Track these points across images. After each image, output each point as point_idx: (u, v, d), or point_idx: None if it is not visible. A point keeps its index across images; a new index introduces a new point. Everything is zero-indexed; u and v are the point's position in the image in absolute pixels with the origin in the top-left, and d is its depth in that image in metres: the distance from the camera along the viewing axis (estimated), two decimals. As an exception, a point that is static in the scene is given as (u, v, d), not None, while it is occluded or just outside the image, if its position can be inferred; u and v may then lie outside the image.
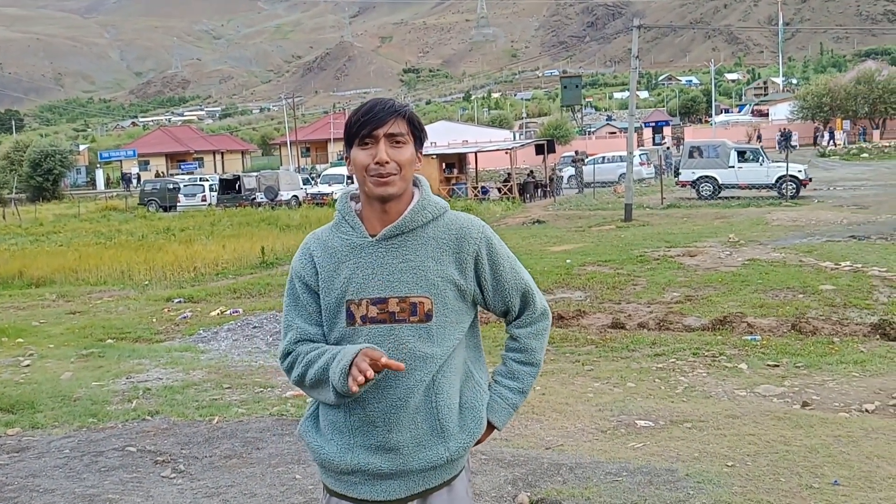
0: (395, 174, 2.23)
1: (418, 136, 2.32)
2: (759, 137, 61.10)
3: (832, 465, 4.92)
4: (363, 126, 2.24)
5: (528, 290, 2.41)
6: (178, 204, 39.85)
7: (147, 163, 77.99)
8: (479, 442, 2.40)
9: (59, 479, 5.27)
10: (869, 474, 4.76)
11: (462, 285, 2.29)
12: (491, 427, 2.41)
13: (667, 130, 78.89)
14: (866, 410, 6.31)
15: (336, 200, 2.44)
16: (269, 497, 4.83)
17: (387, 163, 2.21)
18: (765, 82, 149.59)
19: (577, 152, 44.57)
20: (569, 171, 41.58)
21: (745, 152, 28.84)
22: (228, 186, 39.45)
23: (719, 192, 28.30)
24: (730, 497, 4.49)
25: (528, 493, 4.66)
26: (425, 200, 2.31)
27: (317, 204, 35.38)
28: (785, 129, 60.04)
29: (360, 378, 2.08)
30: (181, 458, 5.60)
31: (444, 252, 2.27)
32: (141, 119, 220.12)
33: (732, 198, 27.72)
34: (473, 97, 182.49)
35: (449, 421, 2.28)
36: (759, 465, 4.98)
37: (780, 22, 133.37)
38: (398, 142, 2.25)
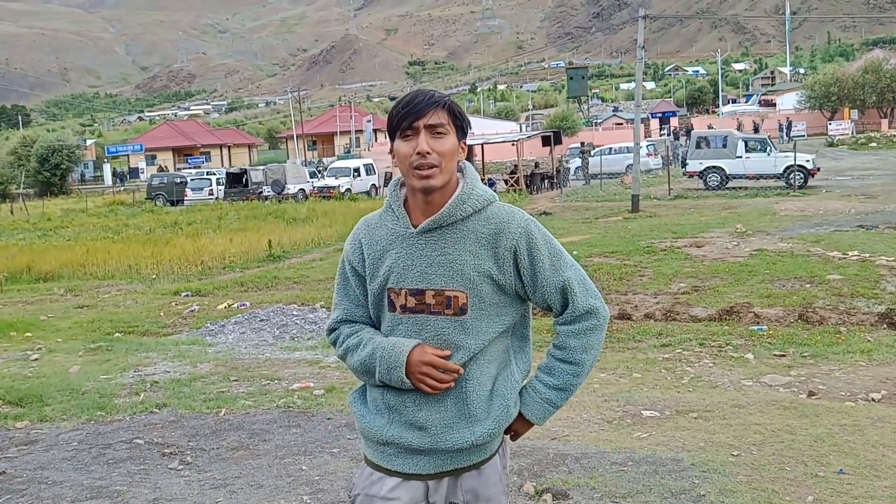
0: (436, 165, 2.24)
1: (460, 125, 2.33)
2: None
3: (838, 454, 4.92)
4: (404, 118, 2.26)
5: (568, 287, 2.33)
6: (186, 198, 39.94)
7: (154, 157, 78.19)
8: (516, 434, 2.44)
9: (67, 472, 5.31)
10: (874, 463, 4.76)
11: (500, 280, 2.29)
12: (527, 422, 2.40)
13: (674, 121, 78.67)
14: (873, 399, 6.31)
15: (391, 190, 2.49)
16: (276, 488, 4.85)
17: (428, 153, 2.23)
18: (772, 72, 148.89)
19: (582, 143, 44.45)
20: (576, 162, 41.51)
21: (751, 142, 28.78)
22: (235, 180, 39.52)
23: (727, 183, 28.20)
24: (735, 486, 4.50)
25: (534, 483, 4.67)
26: (467, 193, 2.31)
27: (323, 197, 35.39)
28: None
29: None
30: (188, 450, 5.63)
31: (483, 246, 2.28)
32: (147, 114, 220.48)
33: (740, 188, 27.63)
34: (479, 89, 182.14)
35: (477, 407, 2.31)
36: (765, 454, 4.98)
37: (788, 11, 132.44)
38: (439, 133, 2.26)
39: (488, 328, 2.30)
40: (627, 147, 37.69)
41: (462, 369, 2.27)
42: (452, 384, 2.27)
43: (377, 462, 2.39)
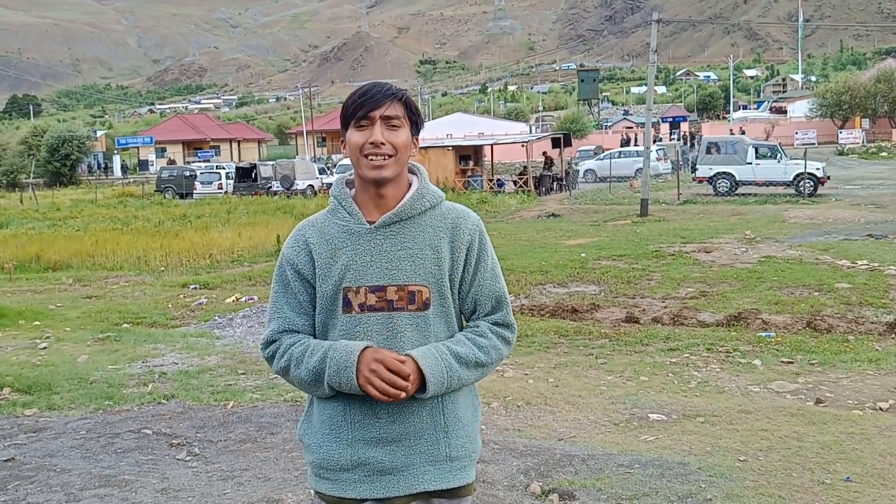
0: (390, 156, 2.21)
1: (415, 120, 2.30)
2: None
3: (845, 462, 4.92)
4: (359, 107, 2.23)
5: (504, 299, 2.34)
6: (195, 191, 40.00)
7: (164, 150, 78.34)
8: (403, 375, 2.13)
9: (75, 460, 5.34)
10: (882, 471, 4.76)
11: (453, 275, 2.28)
12: (417, 367, 2.15)
13: (684, 126, 78.55)
14: (880, 408, 6.30)
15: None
16: (284, 481, 4.87)
17: (382, 144, 2.20)
18: (783, 79, 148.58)
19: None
20: (584, 165, 41.45)
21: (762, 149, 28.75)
22: (245, 175, 39.61)
23: (736, 189, 28.18)
24: (741, 491, 4.50)
25: (541, 483, 4.68)
26: (424, 189, 2.30)
27: (332, 193, 35.42)
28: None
29: (391, 391, 2.09)
30: (196, 441, 5.65)
31: (441, 240, 2.26)
32: (158, 106, 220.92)
33: (749, 194, 27.60)
34: (490, 89, 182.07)
35: (452, 418, 2.26)
36: (772, 460, 4.98)
37: (800, 18, 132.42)
38: (394, 125, 2.23)
39: (446, 325, 2.27)
40: (637, 151, 37.62)
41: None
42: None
43: (338, 495, 2.24)
